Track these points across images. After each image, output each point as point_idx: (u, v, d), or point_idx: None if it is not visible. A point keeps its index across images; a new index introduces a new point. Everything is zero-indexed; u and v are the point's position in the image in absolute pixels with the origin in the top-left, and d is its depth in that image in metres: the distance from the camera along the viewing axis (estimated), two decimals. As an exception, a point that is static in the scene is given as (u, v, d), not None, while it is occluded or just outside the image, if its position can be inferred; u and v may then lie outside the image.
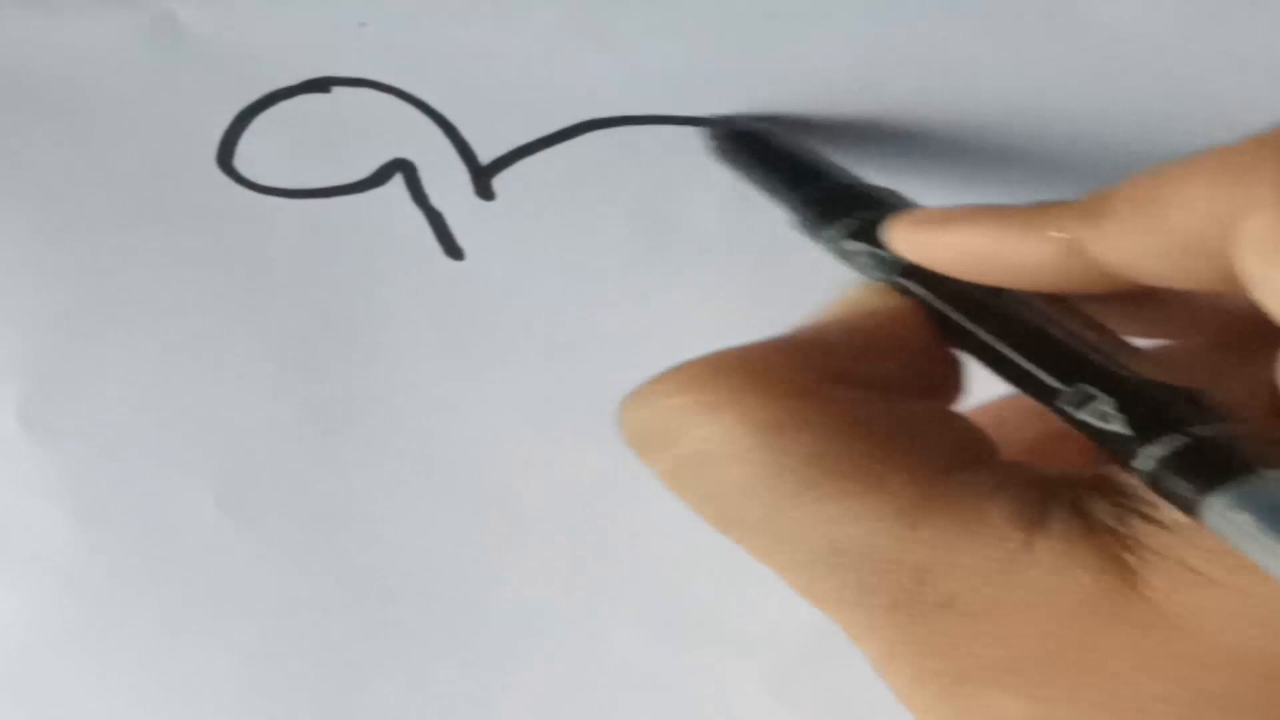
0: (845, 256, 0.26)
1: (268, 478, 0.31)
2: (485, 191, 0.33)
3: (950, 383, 0.25)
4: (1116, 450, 0.20)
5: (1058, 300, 0.23)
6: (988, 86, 0.33)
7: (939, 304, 0.24)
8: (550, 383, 0.31)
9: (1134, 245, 0.21)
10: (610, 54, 0.33)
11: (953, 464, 0.21)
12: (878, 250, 0.25)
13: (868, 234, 0.25)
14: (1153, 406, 0.20)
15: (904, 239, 0.24)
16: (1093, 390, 0.21)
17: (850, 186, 0.28)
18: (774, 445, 0.21)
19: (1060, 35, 0.33)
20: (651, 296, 0.32)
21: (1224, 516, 0.18)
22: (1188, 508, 0.18)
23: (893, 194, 0.27)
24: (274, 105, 0.33)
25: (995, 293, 0.23)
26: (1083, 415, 0.20)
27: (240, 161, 0.33)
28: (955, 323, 0.23)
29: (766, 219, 0.32)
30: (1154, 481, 0.19)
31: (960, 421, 0.23)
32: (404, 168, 0.33)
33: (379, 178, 0.33)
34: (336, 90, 0.33)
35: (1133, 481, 0.20)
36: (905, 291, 0.24)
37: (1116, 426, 0.20)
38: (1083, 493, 0.21)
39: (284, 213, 0.33)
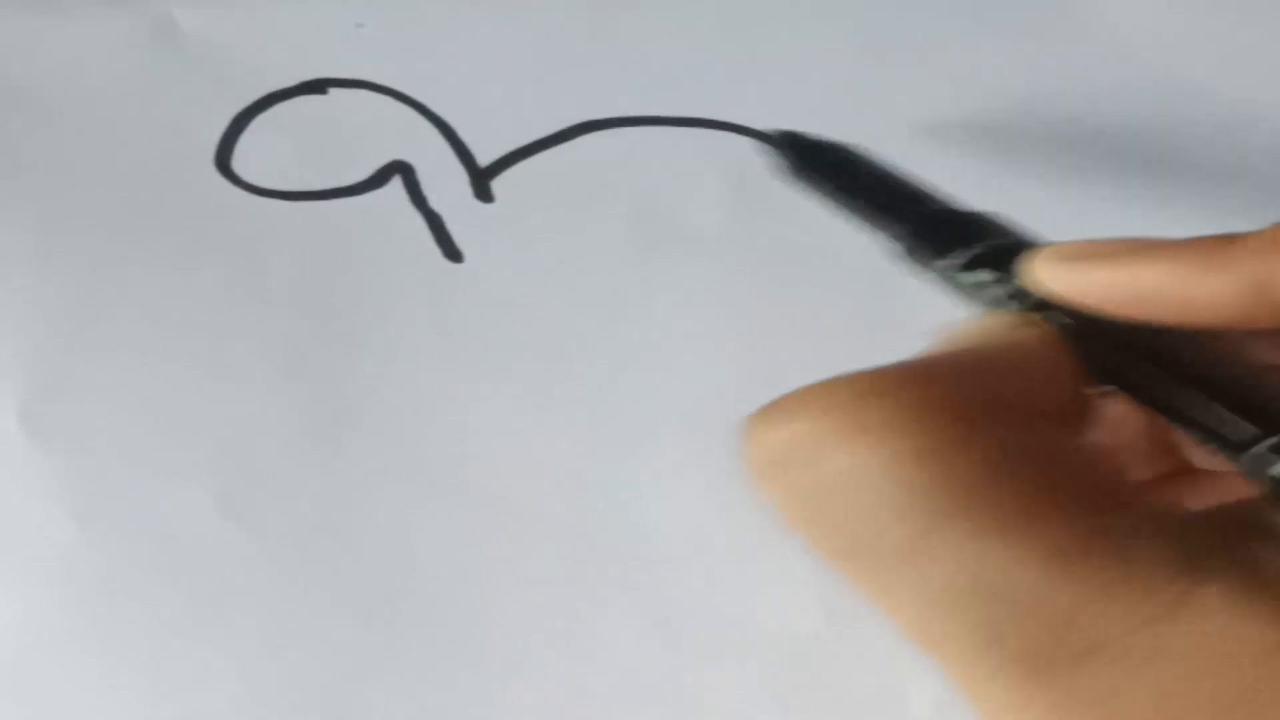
0: (962, 287, 0.24)
1: (267, 479, 0.31)
2: (484, 194, 0.33)
3: (1093, 416, 0.23)
4: None
5: (1208, 337, 0.22)
6: (996, 88, 0.33)
7: (1097, 341, 0.22)
8: (549, 384, 0.31)
9: None
10: (608, 56, 0.33)
11: (1107, 504, 0.20)
12: (1004, 281, 0.23)
13: (990, 263, 0.24)
14: None
15: (1058, 274, 0.23)
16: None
17: (959, 213, 0.26)
18: (930, 471, 0.20)
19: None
20: (650, 298, 0.32)
21: None
22: None
23: (998, 220, 0.26)
24: (271, 107, 0.33)
25: (1159, 331, 0.22)
26: (1276, 470, 0.19)
27: (238, 164, 0.33)
28: (1117, 363, 0.22)
29: (765, 220, 0.32)
30: None
31: (1111, 460, 0.22)
32: (402, 170, 0.33)
33: (377, 180, 0.33)
34: (334, 92, 0.33)
35: None
36: (1054, 320, 0.23)
37: None
38: (1245, 535, 0.20)
39: (282, 215, 0.33)
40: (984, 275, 0.24)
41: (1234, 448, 0.20)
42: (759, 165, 0.33)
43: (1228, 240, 0.21)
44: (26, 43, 0.34)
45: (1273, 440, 0.20)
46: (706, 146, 0.33)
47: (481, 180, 0.33)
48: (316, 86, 0.33)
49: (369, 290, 0.32)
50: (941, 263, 0.25)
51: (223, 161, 0.33)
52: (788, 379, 0.30)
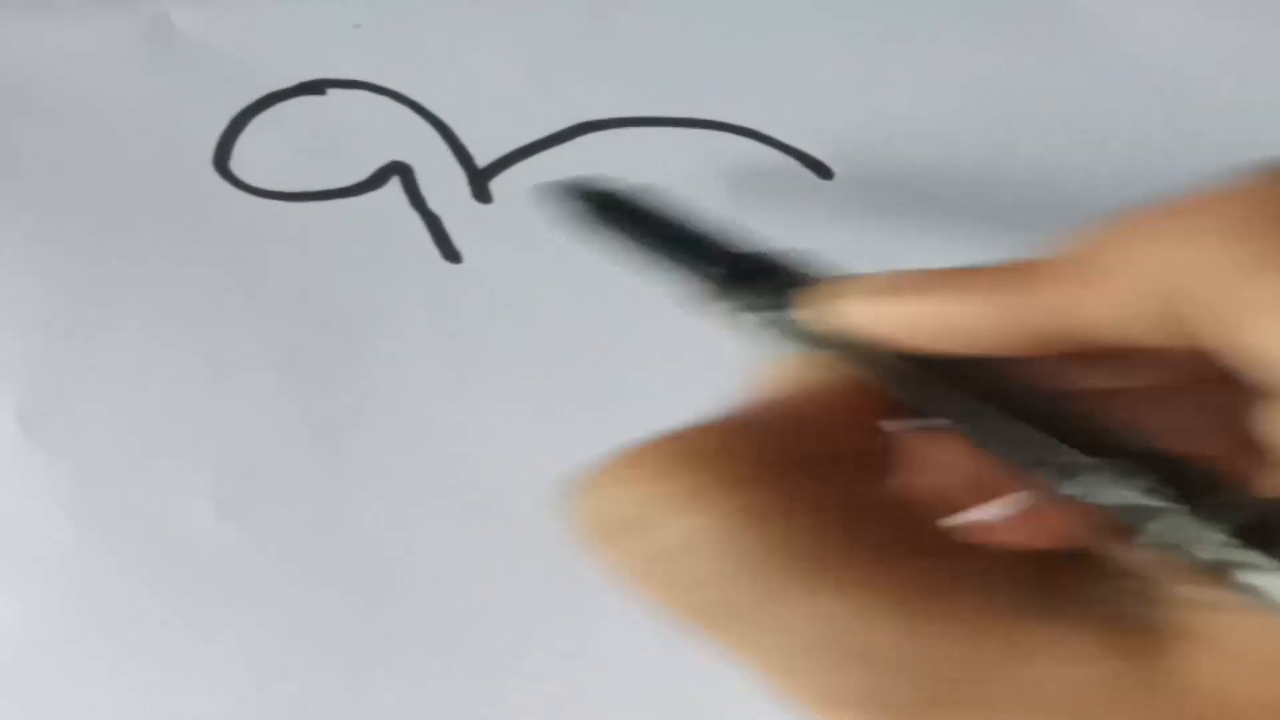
0: (754, 327, 0.24)
1: (266, 480, 0.31)
2: (482, 194, 0.33)
3: (908, 456, 0.23)
4: (1118, 523, 0.19)
5: (1014, 363, 0.22)
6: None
7: (907, 377, 0.22)
8: (548, 383, 0.31)
9: (1097, 310, 0.20)
10: (606, 57, 0.33)
11: (943, 549, 0.20)
12: (796, 320, 0.23)
13: (780, 302, 0.24)
14: (1199, 481, 0.19)
15: (854, 311, 0.23)
16: (1121, 466, 0.19)
17: (748, 254, 0.26)
18: (762, 530, 0.20)
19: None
20: (649, 298, 0.32)
21: (1259, 588, 0.17)
22: (1218, 579, 0.18)
23: (792, 258, 0.26)
24: (269, 108, 0.33)
25: (962, 362, 0.22)
26: (1074, 488, 0.20)
27: (236, 164, 0.33)
28: (922, 395, 0.22)
29: (764, 221, 0.32)
30: (1170, 552, 0.18)
31: (935, 501, 0.22)
32: (401, 170, 0.33)
33: (376, 180, 0.33)
34: (332, 93, 0.33)
35: (1143, 559, 0.19)
36: (846, 361, 0.23)
37: (1142, 500, 0.19)
38: (1084, 570, 0.20)
39: (281, 216, 0.33)
40: (775, 315, 0.24)
41: (1059, 474, 0.20)
42: (758, 165, 0.33)
43: (982, 271, 0.21)
44: (24, 44, 0.34)
45: (1061, 459, 0.20)
46: (705, 147, 0.33)
47: (480, 181, 0.33)
48: (314, 87, 0.33)
49: (367, 291, 0.32)
50: (731, 304, 0.25)
51: (221, 162, 0.33)
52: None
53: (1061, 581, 0.20)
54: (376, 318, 0.32)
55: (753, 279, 0.25)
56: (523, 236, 0.32)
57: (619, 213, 0.29)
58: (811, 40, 0.34)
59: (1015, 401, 0.21)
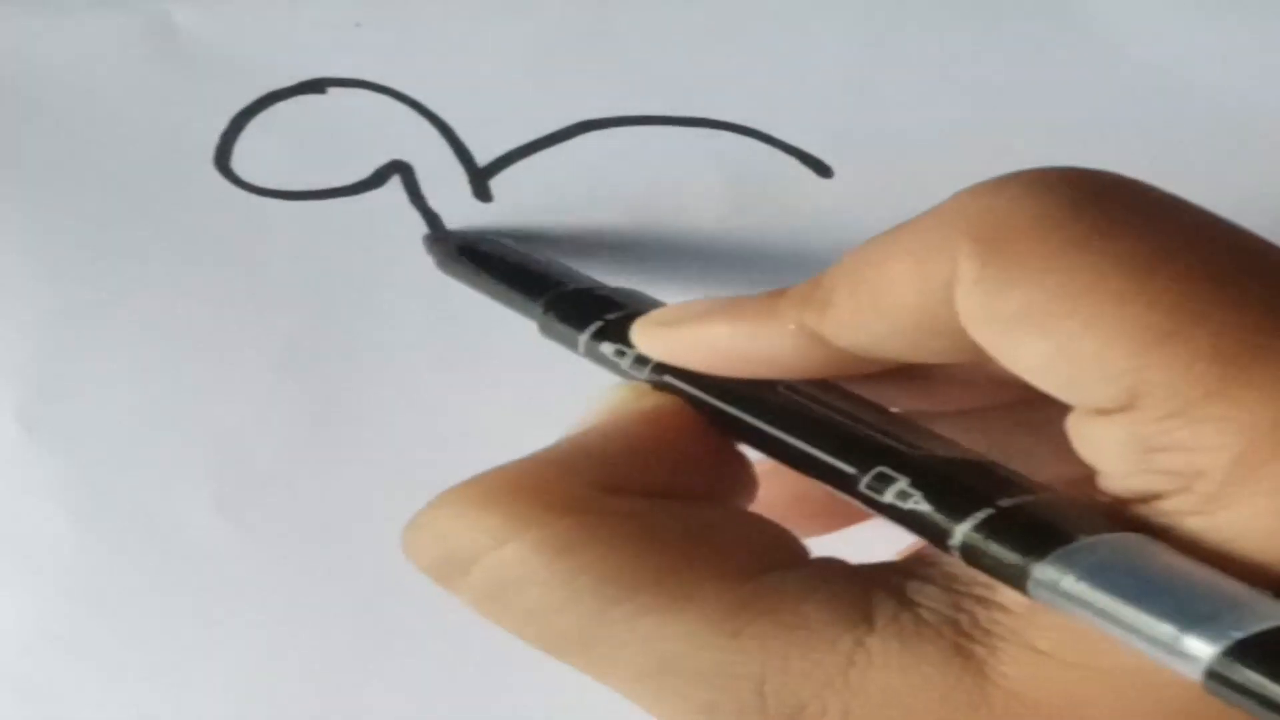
0: (599, 359, 0.25)
1: (265, 479, 0.31)
2: (483, 193, 0.33)
3: (741, 479, 0.24)
4: (927, 532, 0.19)
5: (829, 386, 0.22)
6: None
7: (709, 399, 0.23)
8: (548, 385, 0.31)
9: (861, 328, 0.20)
10: (607, 55, 0.33)
11: (760, 566, 0.20)
12: (628, 350, 0.24)
13: (618, 334, 0.25)
14: (955, 483, 0.19)
15: (647, 340, 0.24)
16: (890, 473, 0.20)
17: (591, 289, 0.27)
18: (566, 566, 0.20)
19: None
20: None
21: (1051, 586, 0.17)
22: (1015, 582, 0.18)
23: (635, 294, 0.27)
24: (270, 107, 0.33)
25: (767, 383, 0.22)
26: (886, 499, 0.20)
27: (237, 163, 0.33)
28: (732, 417, 0.23)
29: (765, 221, 0.32)
30: (973, 558, 0.19)
31: (760, 522, 0.22)
32: (401, 169, 0.33)
33: (376, 179, 0.33)
34: (332, 91, 0.33)
35: (958, 565, 0.19)
36: (671, 389, 0.24)
37: (920, 506, 0.19)
38: (906, 581, 0.20)
39: (281, 215, 0.33)
40: (611, 346, 0.25)
41: (847, 487, 0.21)
42: (759, 165, 0.33)
43: (777, 294, 0.22)
44: (22, 42, 0.34)
45: (871, 474, 0.20)
46: (706, 146, 0.33)
47: (480, 179, 0.33)
48: (315, 86, 0.33)
49: (368, 289, 0.32)
50: (578, 337, 0.26)
51: (221, 161, 0.33)
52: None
53: (899, 591, 0.20)
54: (377, 316, 0.32)
55: (586, 313, 0.26)
56: (523, 235, 0.32)
57: (475, 259, 0.30)
58: (812, 39, 0.34)
59: (796, 416, 0.22)
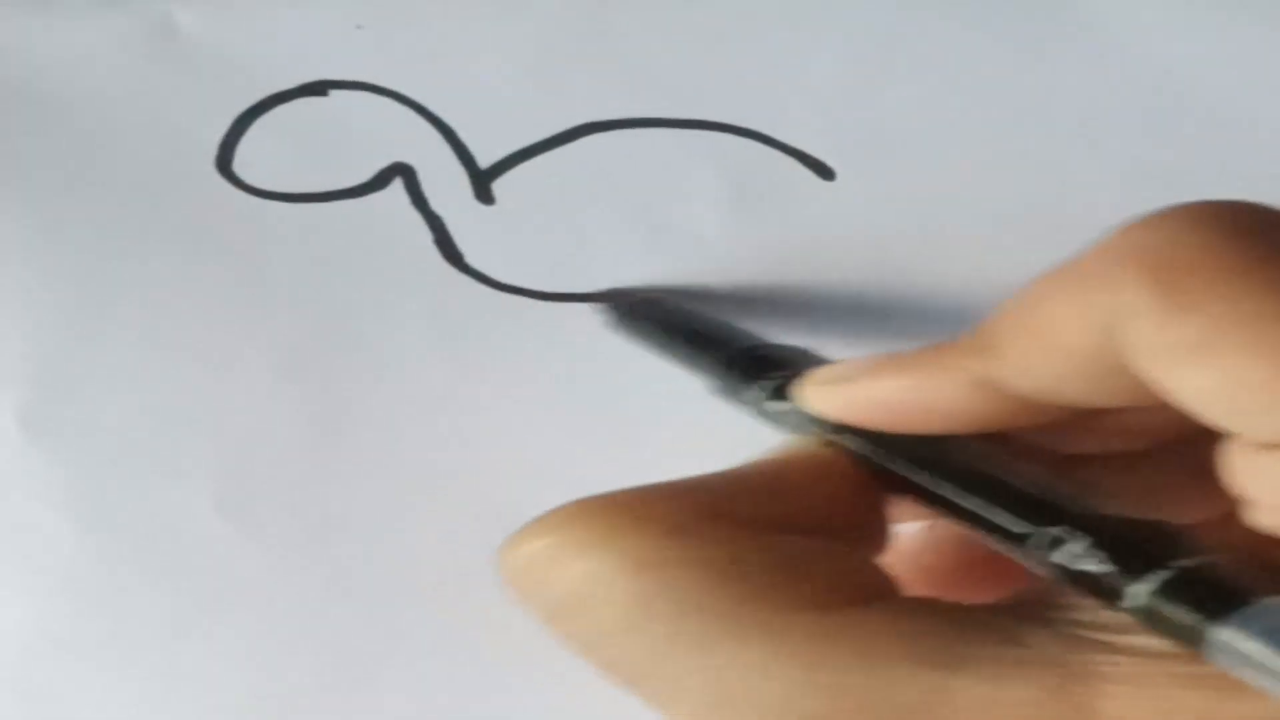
0: (769, 417, 0.25)
1: (267, 482, 0.31)
2: (485, 195, 0.33)
3: (874, 532, 0.23)
4: (1096, 591, 0.19)
5: (994, 439, 0.22)
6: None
7: (878, 456, 0.23)
8: (549, 384, 0.31)
9: (1030, 370, 0.20)
10: (609, 57, 0.33)
11: (846, 600, 0.20)
12: (791, 408, 0.24)
13: (788, 393, 0.25)
14: (1132, 542, 0.19)
15: (817, 398, 0.24)
16: (1065, 533, 0.20)
17: (761, 347, 0.28)
18: (645, 585, 0.20)
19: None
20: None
21: (1229, 648, 0.17)
22: (1190, 642, 0.18)
23: (802, 351, 0.27)
24: (272, 109, 0.33)
25: (935, 439, 0.22)
26: (1056, 557, 0.20)
27: (239, 166, 0.33)
28: (900, 474, 0.23)
29: (766, 222, 0.32)
30: (1148, 619, 0.19)
31: (856, 558, 0.22)
32: (403, 172, 0.33)
33: (378, 182, 0.33)
34: (334, 94, 0.33)
35: (1079, 611, 0.19)
36: (840, 444, 0.24)
37: (1097, 567, 0.19)
38: (1011, 622, 0.20)
39: (283, 217, 0.33)
40: (784, 405, 0.25)
41: (1015, 543, 0.21)
42: (760, 166, 0.33)
43: (945, 347, 0.22)
44: (25, 44, 0.34)
45: (1046, 533, 0.20)
46: (707, 148, 0.33)
47: (482, 182, 0.33)
48: (317, 88, 0.33)
49: (369, 292, 0.32)
50: (749, 395, 0.26)
51: (223, 163, 0.33)
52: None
53: (1000, 631, 0.20)
54: (378, 319, 0.32)
55: (757, 371, 0.26)
56: (525, 238, 0.32)
57: (647, 319, 0.31)
58: (813, 41, 0.34)
59: (969, 474, 0.22)
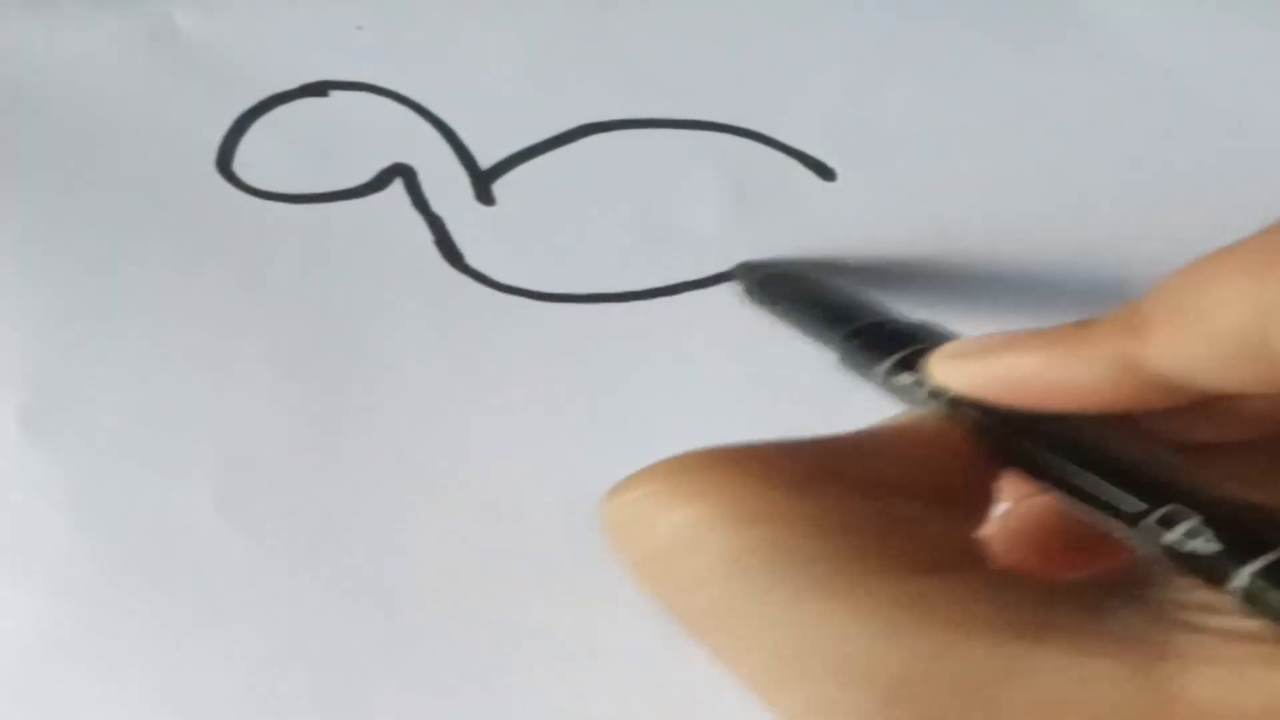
0: (896, 391, 0.26)
1: (267, 482, 0.31)
2: (485, 196, 0.33)
3: (976, 504, 0.23)
4: (1203, 573, 0.19)
5: (1112, 418, 0.22)
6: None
7: (995, 430, 0.23)
8: (550, 385, 0.31)
9: (1182, 353, 0.20)
10: (609, 58, 0.33)
11: (935, 565, 0.20)
12: (927, 384, 0.25)
13: (914, 367, 0.25)
14: (1245, 525, 0.19)
15: (948, 371, 0.24)
16: (1178, 513, 0.20)
17: (890, 322, 0.28)
18: (746, 537, 0.20)
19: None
20: (651, 300, 0.32)
21: None
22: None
23: (931, 326, 0.27)
24: (272, 110, 0.33)
25: (1056, 417, 0.22)
26: (1169, 537, 0.20)
27: (239, 166, 0.33)
28: (1017, 449, 0.23)
29: (766, 222, 0.32)
30: (1253, 601, 0.19)
31: (952, 527, 0.22)
32: (404, 172, 0.33)
33: (379, 182, 0.33)
34: (335, 94, 0.33)
35: (1170, 592, 0.20)
36: (961, 419, 0.24)
37: (1206, 546, 0.19)
38: (1099, 602, 0.20)
39: (284, 218, 0.33)
40: (908, 378, 0.25)
41: (1127, 522, 0.21)
42: (761, 167, 0.33)
43: (1090, 325, 0.22)
44: (26, 45, 0.34)
45: (1160, 512, 0.20)
46: (708, 149, 0.33)
47: (483, 183, 0.33)
48: (317, 89, 0.33)
49: (370, 293, 0.32)
50: (874, 369, 0.26)
51: (224, 164, 0.33)
52: (789, 378, 0.31)
53: (1085, 606, 0.20)
54: (379, 319, 0.32)
55: (884, 346, 0.26)
56: (525, 238, 0.32)
57: (779, 291, 0.31)
58: (814, 42, 0.34)
59: (1086, 450, 0.22)
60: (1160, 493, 0.20)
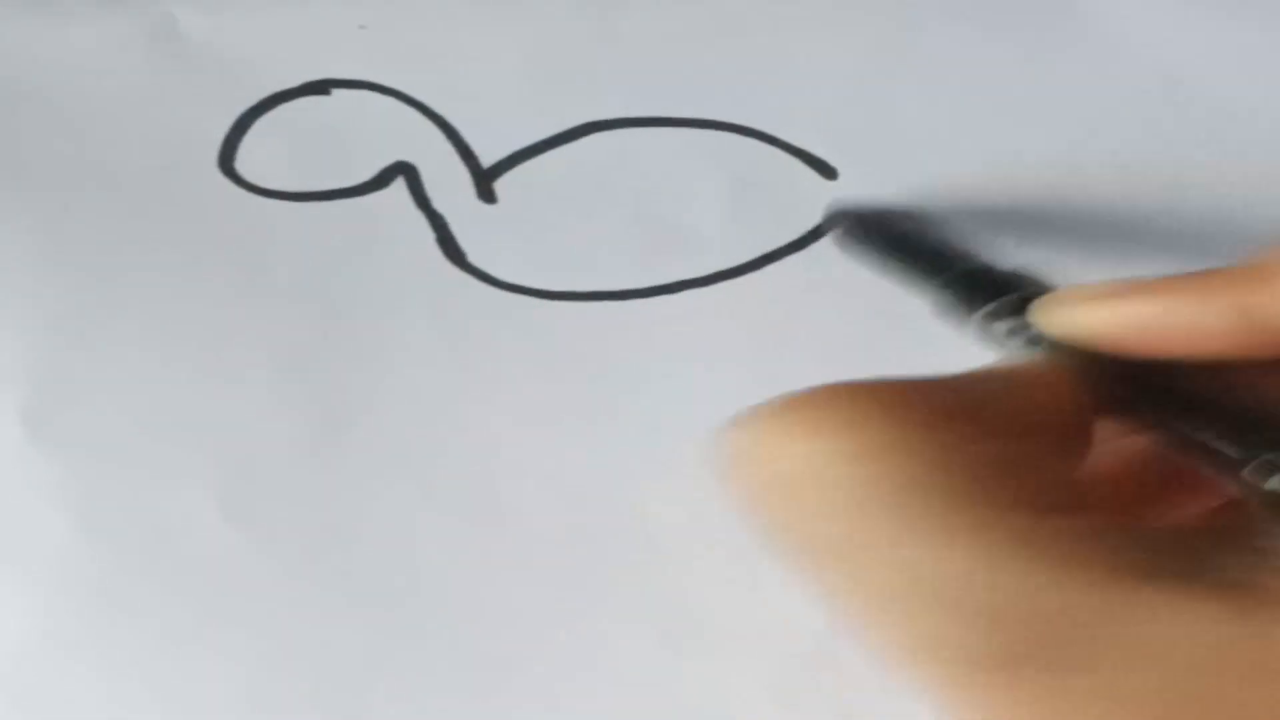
0: (995, 338, 0.26)
1: (270, 482, 0.31)
2: (487, 194, 0.33)
3: (1078, 447, 0.24)
4: None
5: (1220, 368, 0.23)
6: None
7: (1103, 374, 0.23)
8: (551, 385, 0.31)
9: None
10: (611, 57, 0.33)
11: (1053, 505, 0.21)
12: (1028, 329, 0.25)
13: (1015, 314, 0.25)
14: None
15: (1060, 316, 0.24)
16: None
17: (989, 269, 0.28)
18: (871, 469, 0.20)
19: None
20: (653, 299, 0.32)
21: None
22: None
23: (1028, 274, 0.27)
24: (274, 108, 0.33)
25: (1163, 364, 0.23)
26: (1272, 483, 0.20)
27: (242, 164, 0.33)
28: (1119, 393, 0.23)
29: (766, 222, 0.32)
30: None
31: (1064, 469, 0.23)
32: (406, 171, 0.33)
33: (381, 181, 0.33)
34: (337, 93, 0.34)
35: (1273, 539, 0.20)
36: (1064, 363, 0.24)
37: None
38: (1202, 546, 0.20)
39: (286, 216, 0.33)
40: (1010, 323, 0.25)
41: (1230, 468, 0.21)
42: (763, 166, 0.33)
43: (1214, 273, 0.22)
44: (27, 44, 0.34)
45: (1263, 458, 0.21)
46: (710, 147, 0.33)
47: (485, 181, 0.33)
48: (319, 87, 0.33)
49: (372, 291, 0.32)
50: (975, 315, 0.26)
51: (226, 162, 0.33)
52: (789, 378, 0.31)
53: (1195, 552, 0.20)
54: (381, 318, 0.32)
55: (982, 292, 0.27)
56: (527, 237, 0.32)
57: (875, 235, 0.31)
58: (816, 40, 0.34)
59: (1196, 400, 0.22)
60: (1263, 440, 0.21)
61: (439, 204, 0.33)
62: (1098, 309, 0.23)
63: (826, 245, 0.32)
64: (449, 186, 0.33)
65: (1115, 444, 0.24)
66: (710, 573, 0.29)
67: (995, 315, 0.26)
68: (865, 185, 0.33)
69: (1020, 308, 0.25)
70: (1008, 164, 0.33)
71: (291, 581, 0.30)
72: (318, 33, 0.34)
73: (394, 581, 0.30)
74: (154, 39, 0.34)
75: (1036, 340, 0.25)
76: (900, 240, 0.31)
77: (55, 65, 0.33)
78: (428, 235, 0.33)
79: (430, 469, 0.31)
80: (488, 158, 0.33)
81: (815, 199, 0.33)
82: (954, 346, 0.30)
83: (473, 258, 0.32)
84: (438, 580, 0.30)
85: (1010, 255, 0.29)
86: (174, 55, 0.33)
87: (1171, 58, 0.34)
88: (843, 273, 0.32)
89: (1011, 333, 0.25)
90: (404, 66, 0.33)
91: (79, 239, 0.32)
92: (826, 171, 0.33)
